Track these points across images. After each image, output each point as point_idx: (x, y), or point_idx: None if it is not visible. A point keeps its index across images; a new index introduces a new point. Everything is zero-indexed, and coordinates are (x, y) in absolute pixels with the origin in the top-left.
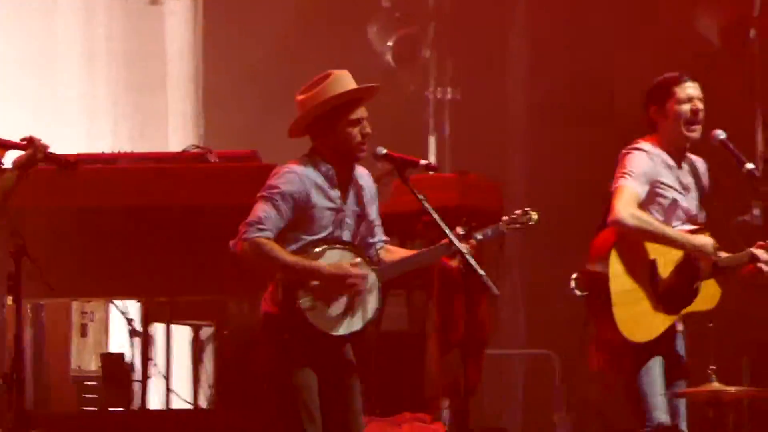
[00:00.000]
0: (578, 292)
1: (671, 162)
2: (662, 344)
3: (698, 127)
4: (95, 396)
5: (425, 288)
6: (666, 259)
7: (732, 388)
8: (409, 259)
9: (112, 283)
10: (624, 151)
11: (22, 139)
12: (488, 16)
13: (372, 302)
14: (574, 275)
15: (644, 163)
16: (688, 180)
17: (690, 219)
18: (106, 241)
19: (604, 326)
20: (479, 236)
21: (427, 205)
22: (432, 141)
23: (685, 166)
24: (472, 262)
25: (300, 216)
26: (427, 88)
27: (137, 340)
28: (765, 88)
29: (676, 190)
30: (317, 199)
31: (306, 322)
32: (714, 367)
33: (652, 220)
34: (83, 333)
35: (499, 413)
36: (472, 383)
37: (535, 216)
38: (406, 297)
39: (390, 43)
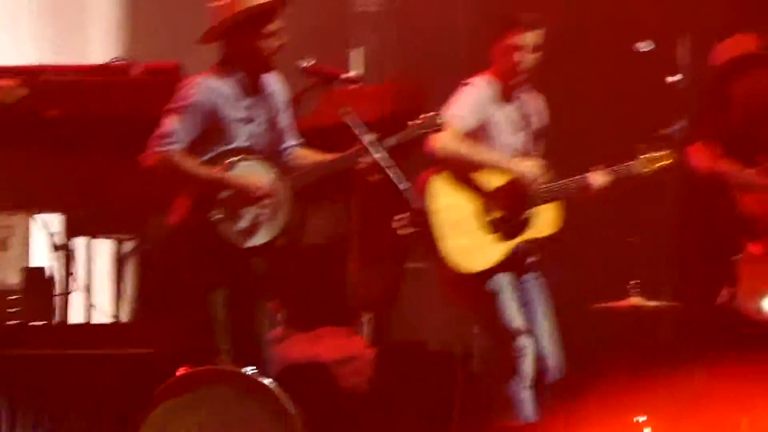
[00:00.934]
0: (402, 232)
1: (501, 98)
2: (508, 266)
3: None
4: (17, 309)
5: (346, 200)
6: (491, 187)
7: (652, 303)
8: (321, 165)
9: (33, 196)
10: (461, 84)
11: None
12: None
13: (283, 213)
14: (397, 216)
15: (472, 99)
16: (518, 116)
17: (521, 155)
18: (28, 154)
19: (438, 260)
20: (391, 142)
21: (349, 120)
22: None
23: (517, 102)
24: (392, 174)
25: (210, 127)
26: None
27: (59, 254)
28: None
29: (502, 126)
30: (227, 110)
31: (215, 234)
32: (636, 281)
33: (460, 147)
34: (4, 247)
35: (419, 325)
36: (393, 296)
37: (439, 120)
38: (327, 210)
39: None
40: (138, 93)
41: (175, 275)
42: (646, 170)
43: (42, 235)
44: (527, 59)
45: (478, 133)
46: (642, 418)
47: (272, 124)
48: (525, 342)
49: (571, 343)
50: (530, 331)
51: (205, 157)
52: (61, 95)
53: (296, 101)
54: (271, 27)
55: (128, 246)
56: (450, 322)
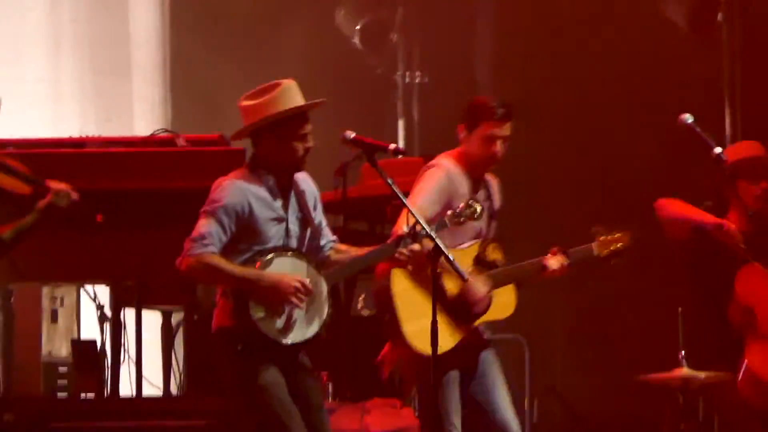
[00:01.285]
0: (366, 312)
1: (467, 185)
2: (461, 356)
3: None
4: (66, 382)
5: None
6: (453, 274)
7: (702, 374)
8: (356, 260)
9: (81, 268)
10: (425, 166)
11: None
12: None
13: (323, 307)
14: (362, 295)
15: (438, 185)
16: (484, 201)
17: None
18: (75, 226)
19: (397, 341)
20: (423, 233)
21: (395, 189)
22: (400, 125)
23: (481, 188)
24: (442, 247)
25: (244, 228)
26: (395, 71)
27: (107, 326)
28: (732, 72)
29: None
30: (260, 210)
31: (259, 332)
32: (684, 353)
33: None
34: (53, 319)
35: None
36: (443, 369)
37: (478, 208)
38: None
39: (358, 27)
40: (184, 164)
41: (224, 378)
42: (601, 253)
43: (90, 306)
44: (502, 149)
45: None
46: None
47: (305, 222)
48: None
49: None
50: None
51: (241, 258)
52: (107, 166)
53: (341, 172)
54: (304, 130)
55: (176, 317)
56: None
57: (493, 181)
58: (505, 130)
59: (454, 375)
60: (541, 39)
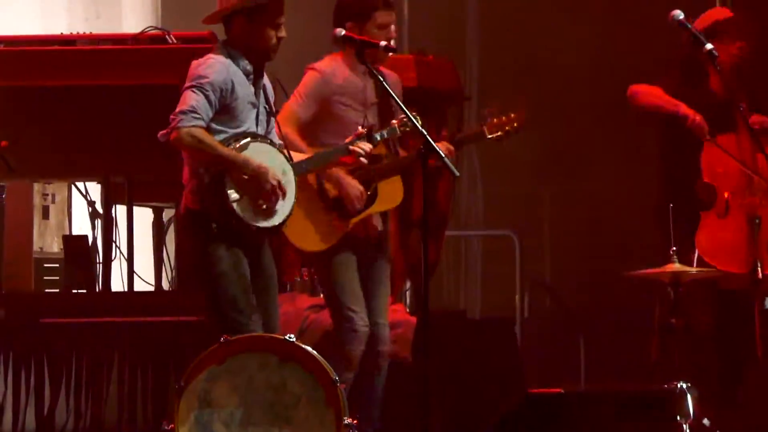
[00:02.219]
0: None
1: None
2: (354, 248)
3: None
4: (57, 278)
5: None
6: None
7: (693, 269)
8: (320, 156)
9: (72, 165)
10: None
11: None
12: None
13: (290, 196)
14: None
15: (316, 84)
16: (371, 95)
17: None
18: (66, 123)
19: (284, 241)
20: (377, 136)
21: (386, 85)
22: None
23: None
24: (432, 142)
25: (224, 107)
26: None
27: (99, 222)
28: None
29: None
30: (240, 91)
31: (234, 213)
32: (675, 248)
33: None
34: (45, 215)
35: (459, 294)
36: (432, 264)
37: (419, 120)
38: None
39: None
40: (175, 61)
41: (194, 253)
42: (493, 134)
43: (82, 203)
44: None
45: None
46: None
47: (269, 114)
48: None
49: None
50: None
51: (217, 138)
52: (98, 63)
53: None
54: (279, 19)
55: (168, 213)
56: (490, 290)
57: (391, 74)
58: (391, 15)
59: (346, 258)
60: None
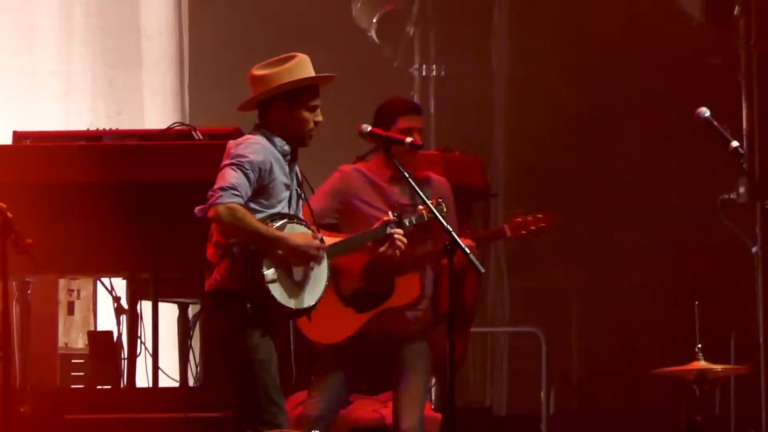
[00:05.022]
0: None
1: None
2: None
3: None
4: (82, 374)
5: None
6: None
7: (718, 366)
8: (353, 239)
9: (98, 261)
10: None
11: None
12: None
13: (323, 278)
14: None
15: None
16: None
17: None
18: (92, 219)
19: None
20: (407, 222)
21: (412, 182)
22: None
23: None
24: (458, 239)
25: (260, 187)
26: (411, 64)
27: (124, 318)
28: (749, 64)
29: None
30: (277, 172)
31: (268, 293)
32: (700, 345)
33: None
34: (70, 311)
35: (485, 390)
36: (458, 360)
37: (444, 207)
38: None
39: (374, 20)
40: (201, 157)
41: (225, 335)
42: (516, 234)
43: (107, 299)
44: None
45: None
46: None
47: (298, 197)
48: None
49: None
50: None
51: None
52: (124, 159)
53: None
54: (315, 102)
55: (193, 309)
56: (515, 386)
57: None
58: (417, 120)
59: (336, 377)
60: (556, 31)
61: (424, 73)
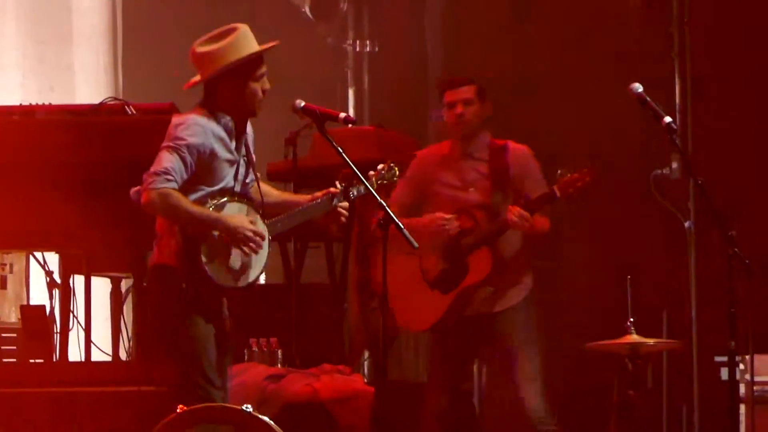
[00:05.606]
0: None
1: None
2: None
3: (464, 126)
4: (14, 348)
5: (344, 240)
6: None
7: (651, 341)
8: (296, 213)
9: (30, 235)
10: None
11: None
12: None
13: (262, 256)
14: None
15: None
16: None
17: None
18: (25, 193)
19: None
20: (354, 192)
21: (345, 157)
22: (351, 94)
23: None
24: (392, 214)
25: (201, 168)
26: (345, 40)
27: (57, 292)
28: (682, 42)
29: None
30: (219, 151)
31: (205, 274)
32: (632, 320)
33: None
34: (2, 285)
35: (417, 365)
36: (391, 334)
37: (397, 170)
38: (325, 249)
39: None
40: (134, 132)
41: (160, 311)
42: (565, 194)
43: (40, 273)
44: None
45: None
46: None
47: (248, 164)
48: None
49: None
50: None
51: (193, 197)
52: (57, 135)
53: (291, 141)
54: (261, 71)
55: (125, 284)
56: None
57: None
58: (457, 93)
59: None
60: (491, 8)
61: (357, 49)
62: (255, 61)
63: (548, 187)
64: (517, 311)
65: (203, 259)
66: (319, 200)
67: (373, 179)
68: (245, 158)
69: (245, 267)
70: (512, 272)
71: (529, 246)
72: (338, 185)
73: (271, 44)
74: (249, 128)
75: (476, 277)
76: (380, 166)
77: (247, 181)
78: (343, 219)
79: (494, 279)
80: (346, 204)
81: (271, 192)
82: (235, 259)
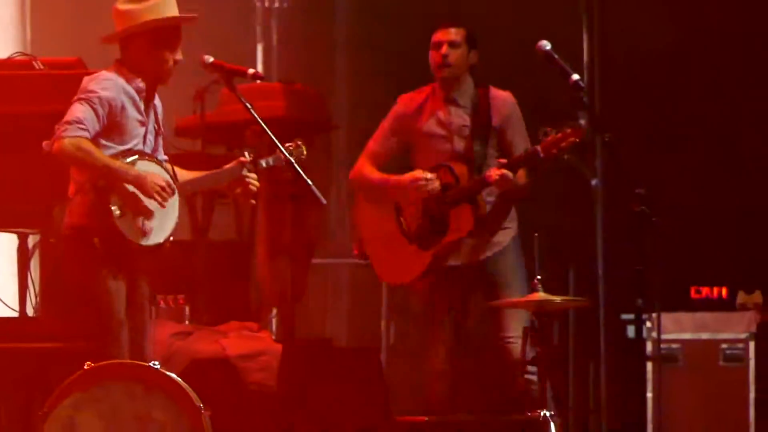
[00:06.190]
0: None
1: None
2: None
3: (447, 69)
4: None
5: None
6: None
7: (557, 298)
8: (205, 178)
9: None
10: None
11: None
12: None
13: (172, 216)
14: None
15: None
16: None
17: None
18: None
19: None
20: (263, 163)
21: (254, 114)
22: (259, 49)
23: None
24: (299, 169)
25: (111, 124)
26: None
27: None
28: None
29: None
30: (130, 109)
31: (115, 229)
32: (540, 277)
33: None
34: None
35: (325, 322)
36: (299, 292)
37: (305, 151)
38: (233, 206)
39: None
40: (41, 87)
41: (73, 270)
42: (549, 153)
43: None
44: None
45: None
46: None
47: (157, 134)
48: None
49: None
50: None
51: (105, 153)
52: None
53: (200, 97)
54: (177, 42)
55: (32, 240)
56: (355, 318)
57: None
58: (444, 33)
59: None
60: None
61: (266, 4)
62: (170, 28)
63: (531, 145)
64: (504, 254)
65: (114, 212)
66: (228, 167)
67: (277, 158)
68: (155, 126)
69: (154, 225)
70: (495, 221)
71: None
72: (247, 155)
73: (190, 15)
74: (157, 100)
75: (457, 234)
76: (288, 144)
77: (157, 152)
78: (252, 188)
79: (476, 233)
80: (254, 175)
81: (182, 171)
82: (145, 216)
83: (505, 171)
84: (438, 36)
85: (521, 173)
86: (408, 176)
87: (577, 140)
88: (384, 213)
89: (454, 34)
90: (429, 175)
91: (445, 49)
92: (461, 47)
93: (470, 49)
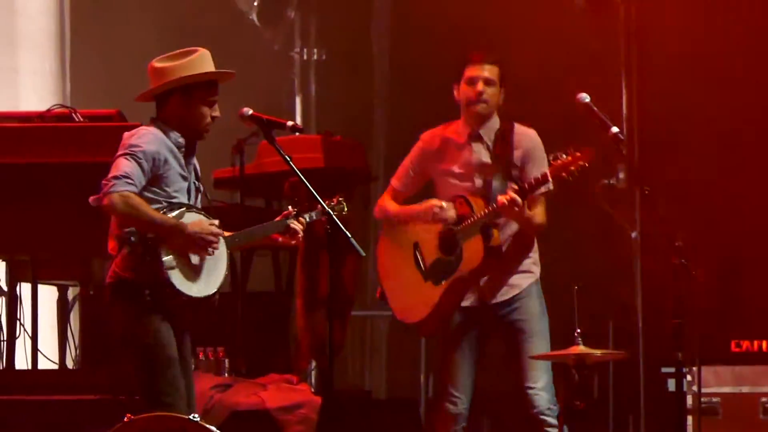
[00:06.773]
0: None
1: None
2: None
3: (482, 105)
4: None
5: (291, 248)
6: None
7: (597, 351)
8: (253, 231)
9: None
10: None
11: None
12: None
13: (222, 268)
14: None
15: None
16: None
17: None
18: None
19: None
20: (306, 218)
21: (292, 165)
22: (298, 102)
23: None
24: (339, 222)
25: (157, 177)
26: (292, 48)
27: (3, 300)
28: (629, 52)
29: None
30: (172, 162)
31: (167, 281)
32: (579, 330)
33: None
34: None
35: (364, 374)
36: (338, 344)
37: (345, 207)
38: (272, 257)
39: (255, 3)
40: (81, 139)
41: (121, 322)
42: (558, 177)
43: None
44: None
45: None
46: None
47: (197, 191)
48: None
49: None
50: None
51: (152, 206)
52: (3, 140)
53: (238, 149)
54: (214, 97)
55: (72, 291)
56: (394, 370)
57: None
58: (480, 69)
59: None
60: (437, 13)
61: (305, 57)
62: (207, 83)
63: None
64: (526, 299)
65: (165, 265)
66: (275, 220)
67: (319, 213)
68: (195, 183)
69: (203, 277)
70: (512, 260)
71: (531, 234)
72: (291, 208)
73: (227, 71)
74: (197, 163)
75: (469, 266)
76: (329, 201)
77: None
78: (300, 236)
79: (490, 268)
80: (299, 226)
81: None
82: (195, 269)
83: (513, 195)
84: (473, 71)
85: (540, 210)
86: (423, 204)
87: (587, 164)
88: (403, 250)
89: (488, 71)
90: (444, 204)
91: (480, 86)
92: (495, 85)
93: (502, 87)
